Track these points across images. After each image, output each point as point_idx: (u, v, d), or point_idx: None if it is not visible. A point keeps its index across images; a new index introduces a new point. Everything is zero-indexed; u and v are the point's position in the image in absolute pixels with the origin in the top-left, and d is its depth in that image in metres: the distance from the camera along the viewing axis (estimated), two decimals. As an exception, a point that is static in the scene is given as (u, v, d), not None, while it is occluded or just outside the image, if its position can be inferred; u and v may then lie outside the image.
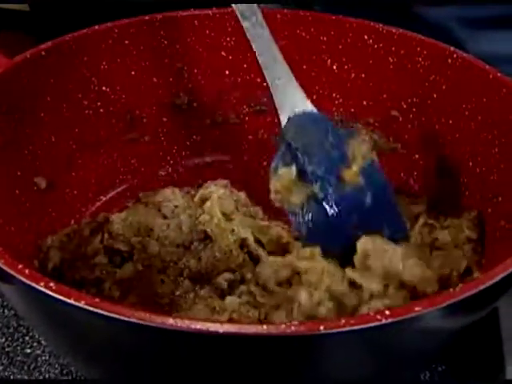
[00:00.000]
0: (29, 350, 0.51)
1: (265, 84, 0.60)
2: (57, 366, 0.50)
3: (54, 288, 0.32)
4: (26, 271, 0.33)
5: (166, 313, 0.44)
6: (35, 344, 0.51)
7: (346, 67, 0.60)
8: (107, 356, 0.38)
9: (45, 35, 0.55)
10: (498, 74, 0.50)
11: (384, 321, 0.31)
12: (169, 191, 0.53)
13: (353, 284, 0.43)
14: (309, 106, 0.49)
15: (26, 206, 0.50)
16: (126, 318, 0.31)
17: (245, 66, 0.61)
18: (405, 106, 0.58)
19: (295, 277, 0.45)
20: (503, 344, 0.45)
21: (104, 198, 0.59)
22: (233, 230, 0.48)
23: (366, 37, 0.58)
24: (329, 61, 0.60)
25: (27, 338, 0.52)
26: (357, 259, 0.44)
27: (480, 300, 0.35)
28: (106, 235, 0.50)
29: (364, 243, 0.44)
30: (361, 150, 0.46)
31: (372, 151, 0.47)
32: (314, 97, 0.60)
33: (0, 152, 0.49)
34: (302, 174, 0.46)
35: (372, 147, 0.47)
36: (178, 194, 0.53)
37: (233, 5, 0.51)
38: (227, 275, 0.46)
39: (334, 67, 0.60)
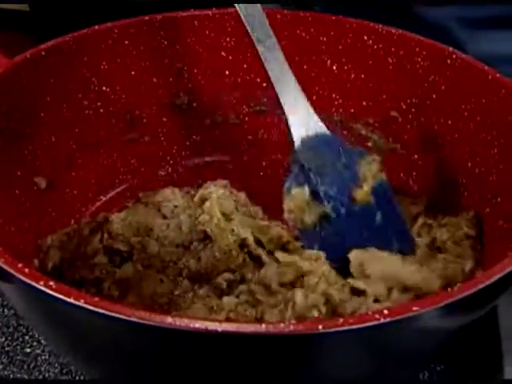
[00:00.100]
0: (28, 350, 0.51)
1: (264, 84, 0.61)
2: (56, 365, 0.50)
3: (53, 287, 0.32)
4: (26, 270, 0.33)
5: (164, 312, 0.44)
6: (35, 343, 0.52)
7: (345, 68, 0.60)
8: (107, 355, 0.38)
9: (45, 35, 0.55)
10: (497, 75, 0.50)
11: (382, 320, 0.31)
12: (168, 191, 0.53)
13: (354, 291, 0.44)
14: (321, 128, 0.50)
15: (26, 205, 0.51)
16: (126, 317, 0.31)
17: (245, 66, 0.61)
18: (404, 107, 0.58)
19: (299, 280, 0.45)
20: (502, 343, 0.45)
21: (104, 198, 0.59)
22: (232, 230, 0.48)
23: (365, 37, 0.58)
24: (328, 61, 0.60)
25: (27, 337, 0.52)
26: (353, 269, 0.45)
27: (478, 299, 0.35)
28: (105, 235, 0.50)
29: (356, 254, 0.46)
30: (371, 169, 0.48)
31: (382, 171, 0.48)
32: (314, 97, 0.61)
33: (0, 152, 0.49)
34: (314, 194, 0.47)
35: (381, 167, 0.48)
36: (177, 194, 0.53)
37: (246, 26, 0.51)
38: (227, 275, 0.46)
39: (334, 68, 0.60)
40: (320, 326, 0.30)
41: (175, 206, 0.52)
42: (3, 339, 0.52)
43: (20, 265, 0.34)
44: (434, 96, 0.56)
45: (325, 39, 0.59)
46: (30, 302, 0.37)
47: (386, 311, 0.31)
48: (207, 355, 0.33)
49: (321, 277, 0.44)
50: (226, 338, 0.31)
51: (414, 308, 0.32)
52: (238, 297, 0.45)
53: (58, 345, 0.44)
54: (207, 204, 0.50)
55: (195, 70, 0.62)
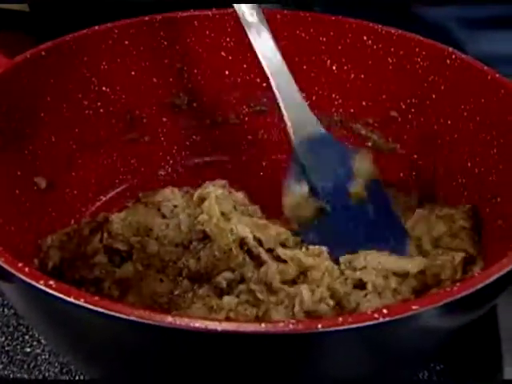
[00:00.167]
0: (28, 349, 0.51)
1: (264, 84, 0.61)
2: (56, 364, 0.50)
3: (53, 286, 0.32)
4: (26, 269, 0.33)
5: (164, 312, 0.44)
6: (35, 343, 0.52)
7: (345, 68, 0.60)
8: (107, 354, 0.38)
9: (45, 35, 0.55)
10: (497, 75, 0.50)
11: (381, 319, 0.31)
12: (168, 191, 0.53)
13: (355, 285, 0.45)
14: (318, 127, 0.51)
15: (26, 205, 0.51)
16: (126, 316, 0.31)
17: (244, 66, 0.61)
18: (404, 107, 0.58)
19: (301, 276, 0.46)
20: (502, 343, 0.45)
21: (104, 198, 0.60)
22: (231, 230, 0.48)
23: (365, 37, 0.58)
24: (328, 61, 0.60)
25: (27, 336, 0.52)
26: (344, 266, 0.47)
27: (477, 299, 0.35)
28: (105, 235, 0.50)
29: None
30: (364, 166, 0.50)
31: (374, 167, 0.51)
32: (314, 97, 0.61)
33: (0, 152, 0.49)
34: (313, 190, 0.50)
35: (373, 163, 0.51)
36: (177, 194, 0.53)
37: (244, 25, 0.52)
38: (227, 274, 0.46)
39: (334, 68, 0.60)
40: (319, 325, 0.30)
41: (175, 206, 0.52)
42: (3, 339, 0.52)
43: (20, 264, 0.34)
44: (434, 96, 0.56)
45: (324, 39, 0.60)
46: (30, 301, 0.37)
47: (385, 310, 0.31)
48: (207, 354, 0.33)
49: (324, 271, 0.45)
50: (225, 337, 0.31)
51: (414, 307, 0.32)
52: (238, 296, 0.45)
53: (57, 344, 0.44)
54: (206, 203, 0.50)
55: (195, 70, 0.62)
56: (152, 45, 0.60)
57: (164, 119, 0.62)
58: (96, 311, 0.31)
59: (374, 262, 0.46)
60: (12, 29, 0.79)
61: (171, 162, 0.63)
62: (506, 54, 0.63)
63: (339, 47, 0.59)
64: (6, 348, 0.51)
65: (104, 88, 0.58)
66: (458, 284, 0.33)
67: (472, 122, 0.52)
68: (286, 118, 0.51)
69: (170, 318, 0.31)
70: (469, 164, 0.53)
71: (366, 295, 0.44)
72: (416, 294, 0.45)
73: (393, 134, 0.59)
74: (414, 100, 0.57)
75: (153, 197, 0.53)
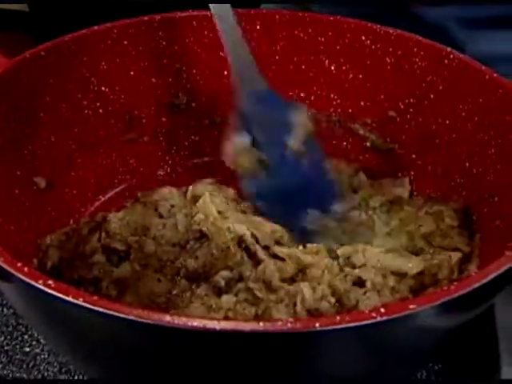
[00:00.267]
0: (28, 349, 0.51)
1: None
2: (56, 364, 0.50)
3: (52, 286, 0.32)
4: (25, 269, 0.34)
5: (162, 311, 0.44)
6: (34, 342, 0.52)
7: (343, 68, 0.60)
8: (105, 354, 0.38)
9: (44, 35, 0.55)
10: (495, 75, 0.50)
11: (379, 318, 0.31)
12: (166, 190, 0.53)
13: (355, 282, 0.46)
14: (264, 84, 0.53)
15: (26, 205, 0.51)
16: (124, 316, 0.31)
17: (243, 66, 0.61)
18: (402, 107, 0.58)
19: (299, 274, 0.46)
20: (499, 343, 0.45)
21: (103, 198, 0.60)
22: (229, 228, 0.48)
23: (363, 37, 0.58)
24: (327, 61, 0.60)
25: (26, 336, 0.52)
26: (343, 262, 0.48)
27: (474, 298, 0.35)
28: (103, 234, 0.50)
29: (342, 249, 0.49)
30: (303, 121, 0.52)
31: (311, 123, 0.53)
32: (312, 97, 0.61)
33: (0, 152, 0.49)
34: (254, 142, 0.52)
35: (311, 119, 0.53)
36: (174, 193, 0.53)
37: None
38: (225, 273, 0.46)
39: (332, 68, 0.60)
40: (317, 324, 0.31)
41: (172, 206, 0.52)
42: (2, 338, 0.52)
43: (19, 264, 0.34)
44: (432, 96, 0.56)
45: (323, 39, 0.60)
46: (29, 300, 0.37)
47: (382, 309, 0.31)
48: (206, 353, 0.34)
49: (324, 269, 0.45)
50: (224, 336, 0.31)
51: (411, 306, 0.32)
52: (236, 295, 0.45)
53: (57, 344, 0.44)
54: (201, 202, 0.50)
55: (194, 71, 0.62)
56: (151, 45, 0.60)
57: (163, 119, 0.63)
58: (95, 310, 0.31)
59: (373, 260, 0.47)
60: (12, 29, 0.79)
61: (170, 162, 0.64)
62: (505, 54, 0.63)
63: (337, 47, 0.59)
64: (6, 347, 0.51)
65: (103, 88, 0.58)
66: (455, 283, 0.33)
67: (470, 122, 0.52)
68: (234, 72, 0.52)
69: (168, 317, 0.31)
70: (467, 164, 0.53)
71: (365, 293, 0.44)
72: (413, 292, 0.45)
73: (391, 133, 0.60)
74: (412, 100, 0.57)
75: (151, 196, 0.53)
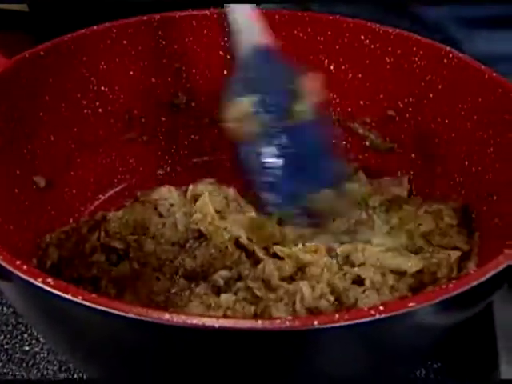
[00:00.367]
0: (27, 348, 0.51)
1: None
2: (55, 362, 0.50)
3: (51, 283, 0.32)
4: (24, 267, 0.34)
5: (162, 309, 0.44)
6: (34, 341, 0.52)
7: (343, 67, 0.60)
8: (105, 352, 0.38)
9: (44, 35, 0.55)
10: (494, 74, 0.51)
11: (378, 316, 0.31)
12: (165, 189, 0.53)
13: (354, 280, 0.46)
14: (268, 42, 0.51)
15: (25, 204, 0.51)
16: (124, 314, 0.31)
17: (243, 65, 0.61)
18: (401, 106, 0.58)
19: (298, 273, 0.46)
20: (498, 341, 0.45)
21: (102, 197, 0.60)
22: (226, 228, 0.48)
23: (362, 37, 0.58)
24: (326, 61, 0.60)
25: (26, 335, 0.52)
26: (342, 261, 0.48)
27: (473, 296, 0.35)
28: (102, 233, 0.50)
29: (342, 248, 0.48)
30: (312, 87, 0.50)
31: (322, 90, 0.50)
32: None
33: (-1, 151, 0.49)
34: (257, 103, 0.49)
35: (322, 86, 0.50)
36: (173, 193, 0.53)
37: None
38: (223, 272, 0.46)
39: (331, 67, 0.60)
40: (316, 322, 0.31)
41: (171, 205, 0.52)
42: (2, 337, 0.52)
43: (18, 262, 0.34)
44: (431, 95, 0.56)
45: (322, 39, 0.60)
46: (28, 299, 0.37)
47: (381, 307, 0.31)
48: (205, 351, 0.34)
49: (323, 267, 0.45)
50: (223, 334, 0.31)
51: (410, 304, 0.32)
52: (235, 294, 0.45)
53: (56, 342, 0.44)
54: (199, 202, 0.50)
55: (193, 70, 0.62)
56: (150, 44, 0.60)
57: (162, 119, 0.63)
58: (94, 308, 0.32)
59: (372, 259, 0.47)
60: (11, 29, 0.79)
61: (170, 161, 0.64)
62: (503, 54, 0.64)
63: (337, 47, 0.59)
64: (5, 346, 0.51)
65: (103, 88, 0.59)
66: (453, 281, 0.34)
67: (469, 121, 0.53)
68: (237, 26, 0.50)
69: (167, 315, 0.31)
70: (466, 163, 0.53)
71: (364, 291, 0.44)
72: (413, 291, 0.46)
73: (390, 133, 0.60)
74: (411, 99, 0.57)
75: (150, 195, 0.53)
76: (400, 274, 0.46)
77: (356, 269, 0.46)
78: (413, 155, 0.59)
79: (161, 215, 0.52)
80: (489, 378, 0.46)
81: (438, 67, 0.55)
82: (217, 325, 0.31)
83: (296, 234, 0.50)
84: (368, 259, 0.47)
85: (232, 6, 0.51)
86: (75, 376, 0.50)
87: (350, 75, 0.60)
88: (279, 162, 0.48)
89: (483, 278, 0.34)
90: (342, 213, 0.50)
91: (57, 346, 0.47)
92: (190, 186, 0.53)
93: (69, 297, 0.32)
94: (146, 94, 0.61)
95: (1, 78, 0.50)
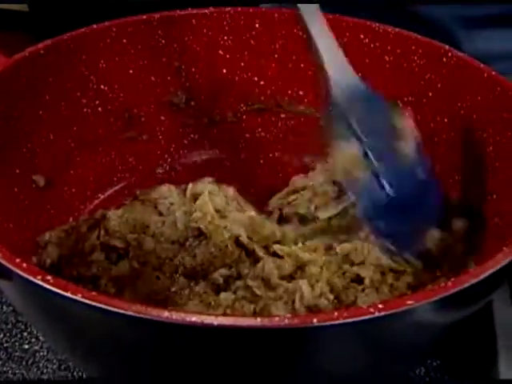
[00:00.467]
0: (27, 346, 0.52)
1: (262, 83, 0.61)
2: (55, 361, 0.50)
3: (51, 281, 0.32)
4: (24, 265, 0.34)
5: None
6: (33, 340, 0.52)
7: (342, 66, 0.60)
8: (104, 350, 0.38)
9: (44, 35, 0.55)
10: (493, 73, 0.51)
11: (377, 314, 0.31)
12: (165, 188, 0.53)
13: (353, 279, 0.46)
14: (357, 80, 0.49)
15: (25, 203, 0.51)
16: (123, 311, 0.31)
17: (242, 64, 0.62)
18: (401, 105, 0.58)
19: (298, 271, 0.46)
20: (497, 339, 0.46)
21: (102, 196, 0.60)
22: (226, 227, 0.48)
23: (362, 36, 0.58)
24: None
25: (25, 333, 0.52)
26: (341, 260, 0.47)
27: (472, 294, 0.35)
28: (102, 232, 0.50)
29: (341, 246, 0.48)
30: (411, 126, 0.47)
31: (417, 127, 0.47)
32: (312, 96, 0.61)
33: (-1, 150, 0.49)
34: (363, 148, 0.46)
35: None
36: (173, 191, 0.53)
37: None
38: (223, 271, 0.46)
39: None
40: (315, 320, 0.31)
41: (171, 204, 0.52)
42: (2, 336, 0.52)
43: (18, 260, 0.34)
44: (431, 94, 0.56)
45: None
46: (28, 297, 0.37)
47: (380, 305, 0.31)
48: (204, 349, 0.34)
49: (322, 266, 0.45)
50: (222, 331, 0.31)
51: (409, 302, 0.32)
52: (235, 293, 0.45)
53: (56, 341, 0.44)
54: (199, 201, 0.50)
55: (193, 69, 0.62)
56: (150, 43, 0.60)
57: (162, 117, 0.63)
58: (93, 306, 0.32)
59: (371, 258, 0.47)
60: (11, 29, 0.79)
61: (169, 160, 0.64)
62: (503, 52, 0.64)
63: (336, 45, 0.59)
64: (5, 345, 0.51)
65: (102, 86, 0.59)
66: (452, 279, 0.34)
67: (468, 120, 0.53)
68: (325, 64, 0.48)
69: (166, 313, 0.31)
70: (465, 162, 0.53)
71: (363, 290, 0.44)
72: (412, 289, 0.46)
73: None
74: (410, 98, 0.57)
75: (150, 194, 0.53)
76: (399, 272, 0.46)
77: (355, 267, 0.46)
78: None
79: (160, 214, 0.52)
80: (488, 376, 0.46)
81: (437, 66, 0.55)
82: (216, 322, 0.31)
83: (296, 233, 0.50)
84: (367, 258, 0.47)
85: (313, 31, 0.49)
86: (75, 374, 0.50)
87: (350, 74, 0.60)
88: (392, 205, 0.46)
89: (482, 276, 0.34)
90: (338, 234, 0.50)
91: (56, 345, 0.47)
92: (190, 185, 0.53)
93: (68, 295, 0.32)
94: (145, 92, 0.61)
95: (0, 76, 0.50)
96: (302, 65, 0.61)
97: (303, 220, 0.53)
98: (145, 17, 0.59)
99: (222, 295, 0.44)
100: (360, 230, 0.51)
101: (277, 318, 0.31)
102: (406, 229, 0.46)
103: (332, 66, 0.48)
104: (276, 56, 0.61)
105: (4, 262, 0.34)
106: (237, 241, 0.48)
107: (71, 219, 0.55)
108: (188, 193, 0.52)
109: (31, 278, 0.33)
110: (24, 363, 0.50)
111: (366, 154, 0.46)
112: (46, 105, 0.54)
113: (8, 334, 0.52)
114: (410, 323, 0.34)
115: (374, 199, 0.46)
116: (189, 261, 0.47)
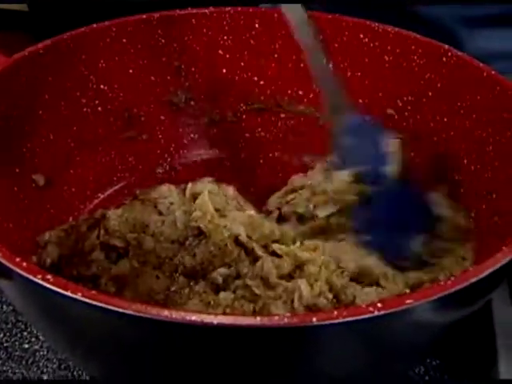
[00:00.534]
0: (27, 346, 0.52)
1: (262, 83, 0.61)
2: (55, 360, 0.50)
3: (51, 280, 0.32)
4: (24, 264, 0.34)
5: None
6: (33, 339, 0.52)
7: (341, 66, 0.60)
8: (104, 349, 0.38)
9: (44, 35, 0.55)
10: (493, 72, 0.51)
11: (376, 313, 0.31)
12: (165, 188, 0.53)
13: (351, 278, 0.46)
14: (354, 112, 0.52)
15: (25, 202, 0.51)
16: (123, 310, 0.31)
17: (242, 64, 0.62)
18: (400, 105, 0.58)
19: (297, 271, 0.46)
20: (496, 338, 0.46)
21: (102, 196, 0.60)
22: (226, 226, 0.48)
23: (361, 35, 0.58)
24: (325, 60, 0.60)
25: (25, 333, 0.52)
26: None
27: (471, 293, 0.35)
28: (102, 231, 0.50)
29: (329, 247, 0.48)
30: (397, 148, 0.50)
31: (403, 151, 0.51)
32: (311, 95, 0.62)
33: (-1, 149, 0.49)
34: (355, 174, 0.50)
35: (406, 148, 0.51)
36: (173, 191, 0.53)
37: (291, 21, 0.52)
38: (223, 270, 0.46)
39: (330, 66, 0.60)
40: (314, 319, 0.31)
41: (171, 203, 0.52)
42: (2, 335, 0.52)
43: (18, 259, 0.34)
44: (430, 94, 0.56)
45: (321, 37, 0.60)
46: (28, 296, 0.37)
47: (379, 304, 0.31)
48: (203, 348, 0.34)
49: (321, 265, 0.45)
50: (221, 330, 0.31)
51: (408, 301, 0.32)
52: (234, 292, 0.45)
53: (56, 340, 0.44)
54: (199, 200, 0.50)
55: (193, 69, 0.62)
56: (150, 43, 0.60)
57: (162, 117, 0.63)
58: (93, 305, 0.32)
59: (352, 261, 0.47)
60: (11, 29, 0.79)
61: (169, 159, 0.64)
62: (502, 52, 0.64)
63: (336, 45, 0.59)
64: (5, 344, 0.52)
65: (102, 86, 0.59)
66: (452, 278, 0.34)
67: (468, 120, 0.53)
68: (328, 104, 0.51)
69: (166, 312, 0.31)
70: (465, 161, 0.53)
71: (362, 289, 0.44)
72: (411, 288, 0.46)
73: (389, 131, 0.60)
74: (410, 98, 0.57)
75: (149, 194, 0.53)
76: (399, 271, 0.46)
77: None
78: (412, 154, 0.59)
79: (160, 213, 0.52)
80: (487, 375, 0.46)
81: (436, 65, 0.55)
82: (215, 321, 0.31)
83: (295, 233, 0.50)
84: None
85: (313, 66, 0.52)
86: (75, 374, 0.50)
87: (349, 74, 0.60)
88: (381, 221, 0.49)
89: (481, 275, 0.34)
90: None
91: (56, 344, 0.47)
92: (190, 185, 0.53)
93: (68, 294, 0.32)
94: (145, 92, 0.61)
95: (0, 76, 0.50)
96: (301, 65, 0.61)
97: (302, 219, 0.53)
98: (144, 16, 0.59)
99: (222, 294, 0.44)
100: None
101: (276, 317, 0.31)
102: (393, 242, 0.49)
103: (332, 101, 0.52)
104: (276, 56, 0.61)
105: (4, 262, 0.34)
106: (236, 240, 0.48)
107: (71, 219, 0.55)
108: (188, 192, 0.52)
109: (31, 278, 0.33)
110: (24, 363, 0.50)
111: (357, 180, 0.50)
112: (46, 104, 0.54)
113: (8, 334, 0.52)
114: (410, 322, 0.34)
115: (364, 219, 0.49)
116: (188, 260, 0.47)
